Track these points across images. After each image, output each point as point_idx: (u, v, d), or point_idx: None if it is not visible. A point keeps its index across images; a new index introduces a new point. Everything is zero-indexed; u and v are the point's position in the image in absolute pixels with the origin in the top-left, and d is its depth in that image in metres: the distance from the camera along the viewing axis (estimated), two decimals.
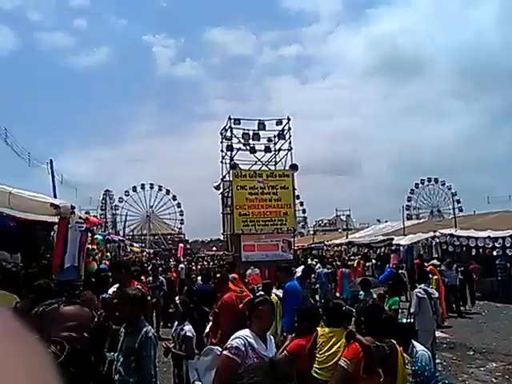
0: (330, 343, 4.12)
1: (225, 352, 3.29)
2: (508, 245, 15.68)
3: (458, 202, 51.38)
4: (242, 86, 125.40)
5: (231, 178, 21.36)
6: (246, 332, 3.37)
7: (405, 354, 3.70)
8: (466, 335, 10.59)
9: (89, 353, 1.63)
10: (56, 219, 7.39)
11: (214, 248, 60.20)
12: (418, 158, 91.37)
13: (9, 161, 18.01)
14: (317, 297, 15.01)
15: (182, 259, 30.25)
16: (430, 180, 64.27)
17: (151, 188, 69.71)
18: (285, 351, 4.29)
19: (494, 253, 16.23)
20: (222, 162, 23.17)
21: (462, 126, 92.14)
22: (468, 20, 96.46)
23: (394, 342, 3.40)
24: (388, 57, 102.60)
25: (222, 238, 30.90)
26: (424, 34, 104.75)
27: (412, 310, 7.77)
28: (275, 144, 23.00)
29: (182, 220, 71.21)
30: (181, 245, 46.44)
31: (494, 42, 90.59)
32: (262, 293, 5.95)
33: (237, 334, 3.38)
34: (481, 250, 16.79)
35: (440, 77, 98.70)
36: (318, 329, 4.31)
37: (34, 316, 1.62)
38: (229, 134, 22.25)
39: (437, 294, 8.37)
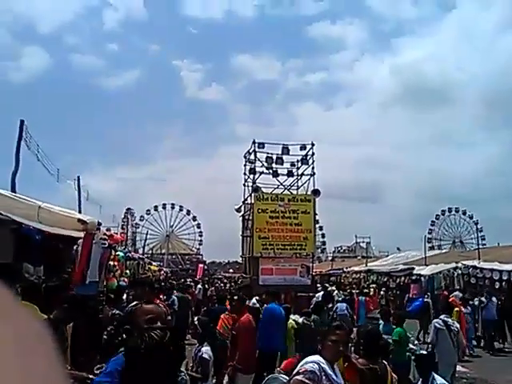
0: None
1: (298, 377, 3.16)
2: None
3: (481, 232, 50.25)
4: (267, 110, 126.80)
5: (253, 201, 21.45)
6: (318, 357, 3.24)
7: (393, 375, 3.91)
8: (490, 372, 10.24)
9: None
10: (81, 234, 7.56)
11: (231, 270, 60.00)
12: (441, 187, 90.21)
13: (39, 176, 18.43)
14: None
15: (201, 280, 30.24)
16: (452, 210, 63.20)
17: (172, 208, 70.28)
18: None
19: None
20: (244, 184, 23.34)
21: (487, 155, 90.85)
22: (497, 48, 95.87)
23: (386, 362, 3.74)
24: (413, 85, 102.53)
25: (239, 260, 30.85)
26: (450, 62, 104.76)
27: (429, 340, 7.65)
28: (298, 169, 23.10)
29: (200, 241, 71.47)
30: (200, 265, 46.44)
31: None
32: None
33: (309, 359, 3.25)
34: (504, 283, 16.37)
35: (466, 106, 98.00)
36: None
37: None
38: (252, 157, 22.44)
39: (458, 326, 8.18)
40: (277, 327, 7.24)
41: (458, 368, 9.42)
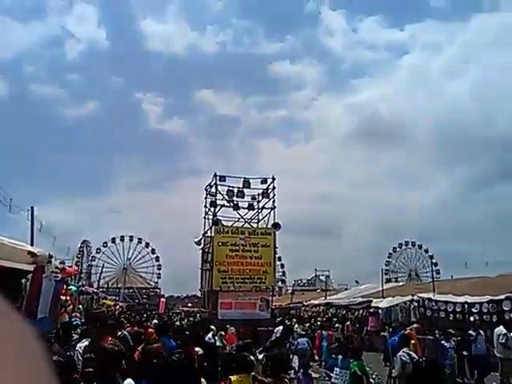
0: None
1: None
2: (485, 311, 15.65)
3: (436, 265, 51.58)
4: (228, 145, 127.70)
5: (213, 234, 21.31)
6: None
7: None
8: None
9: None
10: (31, 267, 7.20)
11: (190, 304, 58.70)
12: (397, 222, 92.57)
13: None
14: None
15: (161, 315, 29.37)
16: (408, 244, 64.79)
17: (130, 240, 68.51)
18: None
19: (471, 318, 16.15)
20: (204, 217, 23.26)
21: (439, 192, 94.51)
22: (446, 92, 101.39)
23: (287, 380, 4.83)
24: (368, 124, 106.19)
25: (199, 294, 30.26)
26: (404, 103, 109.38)
27: (396, 374, 7.63)
28: (259, 202, 23.25)
29: (159, 274, 69.67)
30: (162, 299, 45.29)
31: (469, 113, 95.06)
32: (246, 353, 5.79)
33: None
34: (458, 315, 16.73)
35: (419, 145, 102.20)
36: (231, 377, 4.88)
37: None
38: (213, 190, 22.48)
39: (417, 358, 8.24)
40: None
41: None
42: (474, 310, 16.09)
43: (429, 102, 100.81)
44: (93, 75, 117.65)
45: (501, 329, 12.79)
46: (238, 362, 5.09)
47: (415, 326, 15.84)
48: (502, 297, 15.26)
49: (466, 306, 16.48)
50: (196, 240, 23.51)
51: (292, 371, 10.55)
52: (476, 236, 75.08)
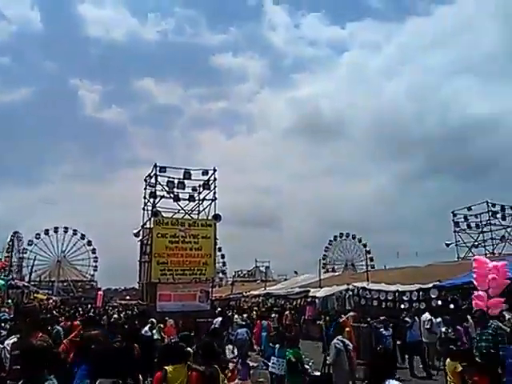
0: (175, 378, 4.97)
1: None
2: (414, 298, 16.50)
3: (370, 254, 53.75)
4: (169, 135, 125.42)
5: (152, 226, 20.92)
6: None
7: (222, 375, 5.20)
8: None
9: None
10: None
11: (128, 297, 57.45)
12: (335, 214, 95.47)
13: None
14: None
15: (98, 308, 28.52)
16: (343, 235, 66.93)
17: (65, 232, 65.78)
18: None
19: (402, 306, 16.97)
20: (143, 208, 22.81)
21: (375, 186, 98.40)
22: (383, 91, 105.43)
23: (217, 367, 4.93)
24: (309, 119, 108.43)
25: (137, 286, 29.64)
26: (343, 100, 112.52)
27: (329, 361, 7.85)
28: (199, 194, 23.06)
29: (95, 267, 67.45)
30: (100, 292, 44.14)
31: (405, 112, 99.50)
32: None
33: None
34: (390, 303, 17.52)
35: (358, 141, 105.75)
36: (166, 367, 5.00)
37: None
38: (153, 180, 22.03)
39: (351, 345, 8.53)
40: None
41: None
42: (404, 297, 16.92)
43: (367, 100, 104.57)
44: (26, 59, 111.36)
45: (426, 315, 13.58)
46: (173, 353, 5.21)
47: (351, 314, 16.40)
48: (430, 285, 16.18)
49: (397, 294, 17.30)
50: (134, 231, 22.98)
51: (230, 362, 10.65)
52: (407, 228, 79.00)
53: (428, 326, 13.24)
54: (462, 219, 38.37)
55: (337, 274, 38.97)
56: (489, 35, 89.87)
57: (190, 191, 22.74)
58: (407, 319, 13.81)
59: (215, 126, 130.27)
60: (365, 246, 56.32)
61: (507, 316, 7.57)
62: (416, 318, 13.76)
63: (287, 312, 21.81)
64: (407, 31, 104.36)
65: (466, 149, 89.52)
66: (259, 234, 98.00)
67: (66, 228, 65.62)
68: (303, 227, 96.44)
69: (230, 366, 9.77)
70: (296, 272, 41.40)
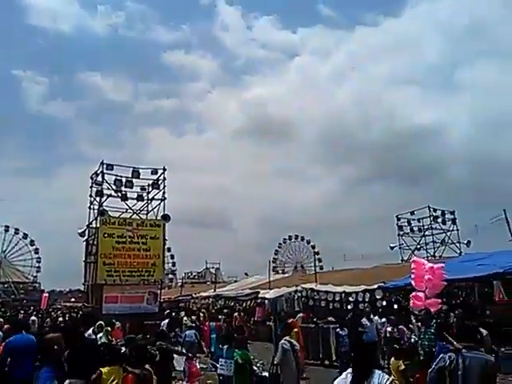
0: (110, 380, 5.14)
1: None
2: (360, 299, 16.91)
3: (320, 259, 54.69)
4: (117, 132, 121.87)
5: (98, 225, 20.27)
6: None
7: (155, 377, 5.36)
8: None
9: None
10: None
11: (73, 299, 55.38)
12: (285, 216, 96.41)
13: None
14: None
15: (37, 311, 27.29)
16: (292, 237, 67.75)
17: (6, 231, 62.51)
18: None
19: (349, 307, 17.35)
20: (90, 207, 22.03)
21: (326, 190, 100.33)
22: (332, 96, 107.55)
23: (150, 369, 5.19)
24: (259, 121, 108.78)
25: (82, 288, 28.60)
26: (293, 104, 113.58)
27: (276, 361, 7.88)
28: (148, 193, 22.63)
29: (38, 268, 64.49)
30: (45, 294, 42.50)
31: (352, 118, 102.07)
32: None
33: None
34: (337, 304, 17.86)
35: (307, 144, 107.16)
36: (102, 369, 5.18)
37: None
38: (100, 178, 21.38)
39: (298, 346, 8.59)
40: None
41: None
42: (350, 298, 17.31)
43: (316, 105, 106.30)
44: None
45: (377, 318, 14.07)
46: (109, 354, 5.42)
47: (300, 315, 16.63)
48: (375, 286, 16.65)
49: (343, 295, 17.67)
50: (80, 231, 22.14)
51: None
52: (354, 231, 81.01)
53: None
54: (406, 223, 39.87)
55: (286, 275, 39.35)
56: (432, 48, 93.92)
57: (139, 190, 22.32)
58: (364, 320, 14.02)
59: (165, 124, 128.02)
60: (314, 247, 57.22)
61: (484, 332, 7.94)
62: (372, 318, 14.04)
63: (236, 314, 21.77)
64: (356, 40, 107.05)
65: (409, 156, 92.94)
66: (210, 235, 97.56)
67: (6, 227, 62.39)
68: (254, 229, 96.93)
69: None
70: (246, 274, 41.47)
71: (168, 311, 20.49)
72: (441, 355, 4.48)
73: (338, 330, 12.77)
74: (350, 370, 4.03)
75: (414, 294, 10.99)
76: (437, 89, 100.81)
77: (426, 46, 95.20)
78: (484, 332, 7.65)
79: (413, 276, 11.27)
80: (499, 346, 10.69)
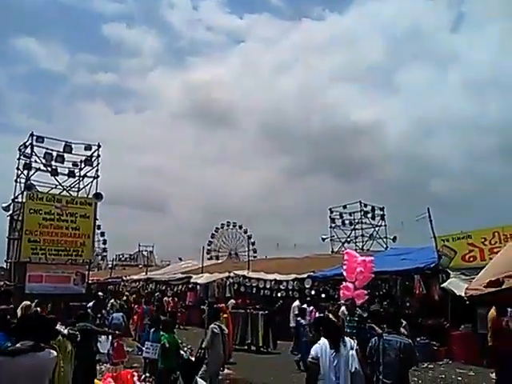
0: None
1: None
2: (290, 287, 17.28)
3: (253, 245, 55.35)
4: (50, 103, 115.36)
5: (24, 200, 19.23)
6: None
7: None
8: (248, 372, 11.07)
9: None
10: None
11: None
12: (222, 203, 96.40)
13: None
14: None
15: None
16: (229, 224, 67.93)
17: None
18: None
19: (279, 294, 17.68)
20: (16, 180, 20.82)
21: (263, 179, 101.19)
22: (275, 85, 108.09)
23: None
24: (201, 104, 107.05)
25: (5, 265, 27.06)
26: (236, 89, 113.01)
27: (205, 345, 7.88)
28: (81, 170, 21.78)
29: None
30: None
31: (293, 109, 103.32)
32: None
33: None
34: (267, 291, 18.14)
35: (248, 131, 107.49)
36: None
37: None
38: (29, 151, 20.29)
39: (227, 331, 8.65)
40: None
41: (225, 371, 9.98)
42: (281, 286, 17.64)
43: (258, 93, 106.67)
44: None
45: (296, 303, 14.53)
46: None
47: (232, 301, 16.75)
48: (305, 275, 17.09)
49: (274, 282, 17.97)
50: (4, 205, 20.89)
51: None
52: (289, 221, 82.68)
53: (296, 312, 14.02)
54: (338, 216, 41.03)
55: (220, 261, 39.49)
56: (374, 47, 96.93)
57: (70, 166, 21.42)
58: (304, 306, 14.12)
59: (103, 99, 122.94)
60: (249, 237, 57.76)
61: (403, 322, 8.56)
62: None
63: (166, 298, 21.57)
64: (302, 32, 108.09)
65: (345, 151, 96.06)
66: (145, 217, 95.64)
67: None
68: (191, 214, 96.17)
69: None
70: (180, 258, 41.09)
71: (94, 292, 19.96)
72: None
73: (300, 319, 12.81)
74: (323, 340, 4.89)
75: (344, 284, 11.37)
76: (376, 87, 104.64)
77: (369, 44, 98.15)
78: (403, 322, 8.12)
79: (344, 267, 11.64)
80: (416, 336, 11.43)
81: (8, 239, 21.17)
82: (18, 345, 3.50)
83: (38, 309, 11.27)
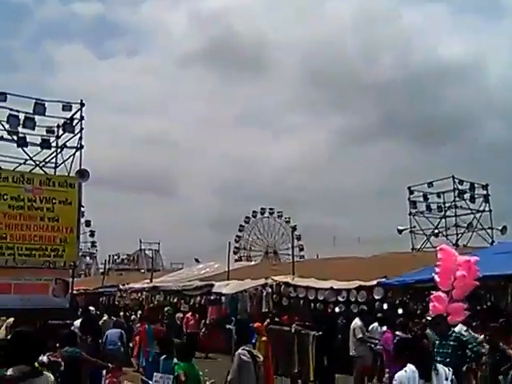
0: None
1: None
2: (353, 299, 17.20)
3: (299, 239, 55.36)
4: (9, 46, 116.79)
5: None
6: None
7: None
8: None
9: None
10: None
11: None
12: (253, 182, 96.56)
13: None
14: None
15: None
16: (265, 211, 67.63)
17: None
18: None
19: (337, 309, 17.64)
20: None
21: (308, 147, 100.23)
22: (323, 13, 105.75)
23: None
24: (219, 43, 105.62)
25: None
26: (267, 21, 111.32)
27: (230, 377, 7.91)
28: (58, 138, 22.11)
29: None
30: None
31: (351, 47, 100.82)
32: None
33: None
34: (319, 305, 18.14)
35: (283, 80, 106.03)
36: None
37: None
38: None
39: (262, 358, 8.65)
40: None
41: None
42: (340, 298, 17.60)
43: (299, 24, 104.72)
44: None
45: (357, 322, 14.55)
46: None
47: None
48: (374, 282, 16.95)
49: (329, 293, 17.92)
50: None
51: None
52: (348, 206, 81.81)
53: (360, 336, 14.14)
54: (421, 198, 40.27)
55: (252, 263, 39.81)
56: None
57: (44, 134, 21.64)
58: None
59: (82, 40, 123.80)
60: (293, 229, 57.77)
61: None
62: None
63: (189, 314, 21.96)
64: None
65: (427, 104, 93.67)
66: (146, 204, 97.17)
67: None
68: (208, 197, 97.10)
69: None
70: (197, 260, 41.83)
71: (82, 306, 20.42)
72: None
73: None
74: (409, 367, 5.37)
75: (435, 294, 11.22)
76: (473, 10, 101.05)
77: None
78: None
79: (437, 270, 11.47)
80: None
81: None
82: (11, 370, 3.99)
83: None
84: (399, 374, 5.36)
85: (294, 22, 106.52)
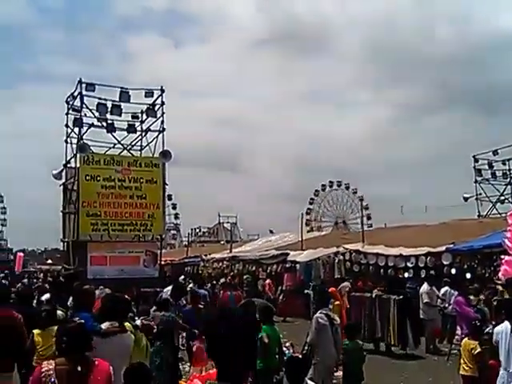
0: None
1: None
2: (422, 265, 16.88)
3: (367, 209, 54.65)
4: (91, 40, 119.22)
5: (78, 164, 20.37)
6: None
7: None
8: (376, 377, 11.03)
9: None
10: None
11: (50, 261, 57.22)
12: (321, 156, 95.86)
13: None
14: None
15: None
16: (333, 184, 67.19)
17: None
18: None
19: (406, 274, 17.38)
20: (66, 141, 21.99)
21: (372, 120, 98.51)
22: None
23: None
24: (284, 26, 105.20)
25: (61, 247, 29.35)
26: (329, 2, 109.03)
27: (309, 339, 7.91)
28: (142, 122, 22.47)
29: (3, 220, 66.24)
30: (20, 254, 44.11)
31: (410, 22, 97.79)
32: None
33: None
34: (390, 271, 17.92)
35: (346, 57, 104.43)
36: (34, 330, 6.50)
37: None
38: (78, 103, 21.14)
39: (338, 321, 8.65)
40: None
41: (338, 373, 10.04)
42: (409, 264, 17.31)
43: (360, 4, 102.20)
44: None
45: (425, 287, 14.54)
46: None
47: (346, 283, 16.69)
48: (442, 248, 16.56)
49: (399, 259, 17.67)
50: (54, 172, 22.23)
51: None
52: (413, 176, 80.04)
53: (427, 300, 14.09)
54: (486, 166, 38.94)
55: (324, 233, 39.61)
56: None
57: (129, 119, 22.09)
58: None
59: (156, 31, 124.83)
60: (361, 199, 57.06)
61: None
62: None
63: (268, 281, 22.14)
64: None
65: (491, 74, 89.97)
66: (223, 180, 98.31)
67: None
68: (278, 172, 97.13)
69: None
70: (271, 231, 41.89)
71: (171, 276, 20.83)
72: None
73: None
74: (506, 323, 6.44)
75: (507, 258, 10.91)
76: None
77: None
78: None
79: (508, 235, 11.12)
80: None
81: (63, 214, 22.58)
82: (104, 325, 4.93)
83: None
84: (496, 328, 6.55)
85: (353, 1, 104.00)
